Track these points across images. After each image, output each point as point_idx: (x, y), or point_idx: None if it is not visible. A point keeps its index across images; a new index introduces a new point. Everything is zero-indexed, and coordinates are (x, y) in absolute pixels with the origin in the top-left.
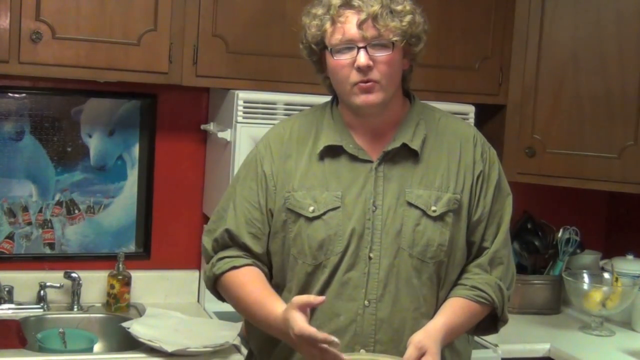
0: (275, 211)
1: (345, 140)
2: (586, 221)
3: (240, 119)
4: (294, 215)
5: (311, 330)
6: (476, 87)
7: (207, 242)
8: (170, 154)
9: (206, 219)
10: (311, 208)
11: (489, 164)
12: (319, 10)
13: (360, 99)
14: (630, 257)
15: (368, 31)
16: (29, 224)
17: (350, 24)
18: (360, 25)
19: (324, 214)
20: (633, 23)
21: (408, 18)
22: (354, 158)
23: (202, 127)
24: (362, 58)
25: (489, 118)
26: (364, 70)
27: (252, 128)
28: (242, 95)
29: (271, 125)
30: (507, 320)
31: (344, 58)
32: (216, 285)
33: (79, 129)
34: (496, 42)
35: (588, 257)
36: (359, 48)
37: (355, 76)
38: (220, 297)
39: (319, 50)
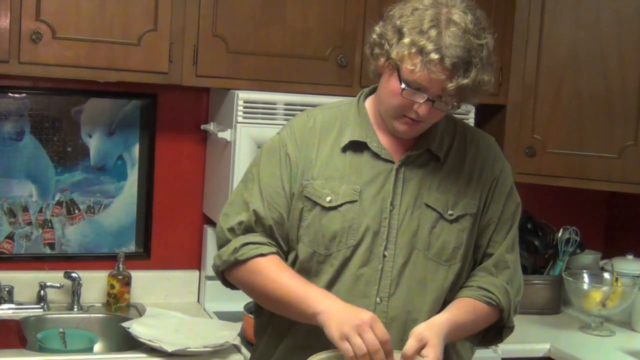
0: (294, 197)
1: (370, 138)
2: (586, 221)
3: (240, 119)
4: (310, 203)
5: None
6: None
7: (225, 224)
8: (170, 154)
9: (206, 219)
10: (328, 198)
11: (504, 173)
12: (416, 41)
13: (403, 128)
14: (630, 257)
15: (446, 93)
16: (29, 224)
17: (436, 80)
18: (444, 89)
19: (341, 205)
20: (633, 23)
21: (485, 89)
22: (376, 156)
23: (202, 127)
24: (424, 110)
25: (489, 118)
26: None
27: (252, 128)
28: (242, 95)
29: (271, 125)
30: (513, 328)
31: (410, 97)
32: (228, 271)
33: (79, 129)
34: (496, 42)
35: (588, 257)
36: (428, 99)
37: (410, 112)
38: (228, 285)
39: (389, 60)
